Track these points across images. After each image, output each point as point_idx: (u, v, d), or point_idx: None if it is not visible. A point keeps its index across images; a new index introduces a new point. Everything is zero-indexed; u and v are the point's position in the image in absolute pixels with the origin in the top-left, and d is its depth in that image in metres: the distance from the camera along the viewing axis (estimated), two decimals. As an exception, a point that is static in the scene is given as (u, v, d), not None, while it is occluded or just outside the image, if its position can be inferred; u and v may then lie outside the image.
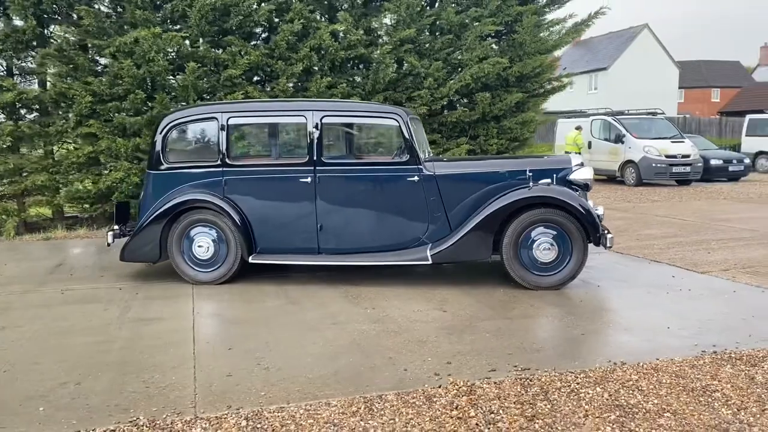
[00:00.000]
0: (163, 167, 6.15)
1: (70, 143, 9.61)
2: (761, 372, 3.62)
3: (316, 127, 5.85)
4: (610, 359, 3.85)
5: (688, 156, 16.36)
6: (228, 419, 3.11)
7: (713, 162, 17.70)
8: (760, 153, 21.64)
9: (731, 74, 58.42)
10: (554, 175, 5.88)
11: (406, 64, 10.06)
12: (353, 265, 5.97)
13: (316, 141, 5.85)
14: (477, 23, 10.21)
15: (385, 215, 5.91)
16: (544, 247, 5.59)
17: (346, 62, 9.96)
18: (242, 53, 9.24)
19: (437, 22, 10.19)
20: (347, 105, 6.78)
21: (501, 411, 3.15)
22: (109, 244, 6.41)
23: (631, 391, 3.36)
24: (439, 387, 3.46)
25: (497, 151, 10.77)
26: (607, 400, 3.26)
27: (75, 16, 8.99)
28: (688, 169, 16.30)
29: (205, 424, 3.07)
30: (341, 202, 5.91)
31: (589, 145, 17.47)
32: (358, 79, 10.08)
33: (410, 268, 6.48)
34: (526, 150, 11.28)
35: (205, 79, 9.20)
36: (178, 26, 9.25)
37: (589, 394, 3.34)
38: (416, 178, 5.86)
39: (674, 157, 16.17)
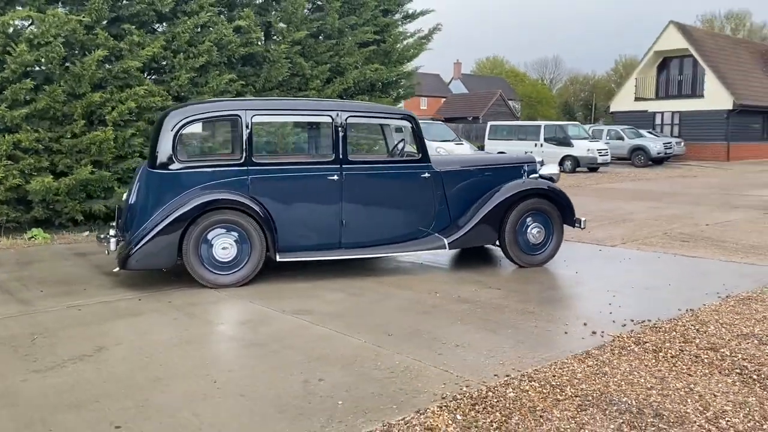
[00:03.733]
0: (174, 166, 5.74)
1: None
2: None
3: (342, 126, 6.07)
4: (689, 308, 5.04)
5: (469, 156, 19.01)
6: (549, 376, 3.55)
7: (481, 161, 20.73)
8: (500, 153, 25.75)
9: (434, 85, 66.97)
10: (524, 170, 7.00)
11: (293, 65, 10.25)
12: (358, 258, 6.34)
13: (341, 140, 6.08)
14: (355, 30, 10.86)
15: (401, 209, 6.39)
16: (536, 231, 6.64)
17: (241, 59, 9.81)
18: (142, 44, 8.56)
19: (322, 27, 10.57)
20: (368, 106, 7.01)
21: (695, 344, 4.11)
22: (109, 252, 5.74)
23: (754, 322, 4.60)
24: (618, 336, 4.30)
25: (367, 150, 11.52)
26: (749, 328, 4.45)
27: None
28: (470, 167, 18.92)
29: (524, 380, 3.47)
30: (363, 198, 6.22)
31: (386, 146, 19.11)
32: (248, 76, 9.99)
33: (386, 260, 6.98)
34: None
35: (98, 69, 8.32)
36: (67, 8, 8.20)
37: (728, 321, 4.51)
38: (427, 174, 6.46)
39: (460, 156, 18.64)
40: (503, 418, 3.12)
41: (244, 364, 3.90)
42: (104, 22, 8.44)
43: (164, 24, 9.07)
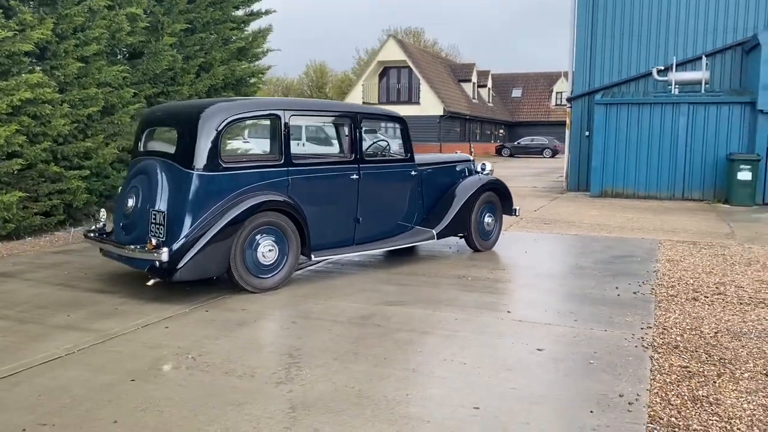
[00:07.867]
0: (218, 168, 5.38)
1: None
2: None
3: (359, 127, 6.31)
4: (654, 270, 6.58)
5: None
6: (674, 323, 4.57)
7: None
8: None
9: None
10: (466, 168, 8.01)
11: (170, 59, 9.56)
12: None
13: (359, 140, 6.32)
14: (219, 26, 10.52)
15: (397, 205, 6.88)
16: (490, 219, 7.69)
17: (124, 49, 8.85)
18: (32, 26, 7.29)
19: (193, 21, 10.01)
20: (373, 108, 7.09)
21: (715, 292, 5.58)
22: (160, 264, 5.09)
23: (716, 275, 6.24)
24: (656, 293, 5.58)
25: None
26: (719, 278, 6.07)
27: None
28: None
29: (667, 329, 4.47)
30: (373, 196, 6.54)
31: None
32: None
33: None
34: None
35: (-23, 52, 6.89)
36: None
37: (697, 276, 6.09)
38: (414, 172, 7.03)
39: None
40: (707, 353, 4.13)
41: (457, 346, 4.18)
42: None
43: (46, 5, 7.78)
